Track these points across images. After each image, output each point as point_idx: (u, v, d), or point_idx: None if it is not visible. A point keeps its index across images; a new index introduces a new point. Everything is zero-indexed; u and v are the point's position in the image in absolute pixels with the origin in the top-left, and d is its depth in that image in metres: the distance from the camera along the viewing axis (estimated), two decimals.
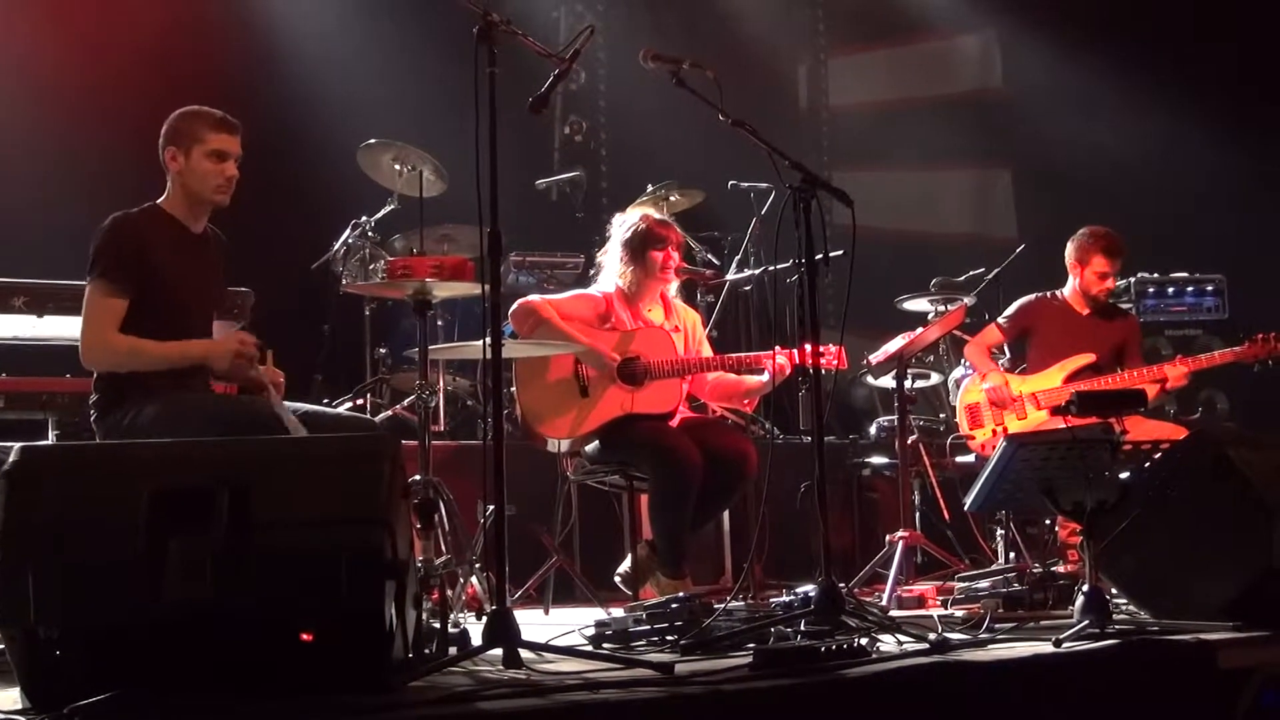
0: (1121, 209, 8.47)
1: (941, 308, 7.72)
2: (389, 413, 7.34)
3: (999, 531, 6.63)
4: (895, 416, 6.75)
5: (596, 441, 5.91)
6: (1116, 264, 6.88)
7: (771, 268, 6.57)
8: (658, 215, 6.30)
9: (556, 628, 4.77)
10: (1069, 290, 6.97)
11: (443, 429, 7.30)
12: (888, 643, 4.20)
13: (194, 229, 4.82)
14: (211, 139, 4.73)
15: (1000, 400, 6.70)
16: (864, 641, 4.02)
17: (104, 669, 3.27)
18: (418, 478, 4.70)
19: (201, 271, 4.83)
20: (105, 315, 4.57)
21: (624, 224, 6.17)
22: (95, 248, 4.63)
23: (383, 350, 7.81)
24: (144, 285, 4.60)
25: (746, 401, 6.38)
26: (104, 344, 4.59)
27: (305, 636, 3.35)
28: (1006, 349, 7.22)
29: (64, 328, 5.65)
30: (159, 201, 4.80)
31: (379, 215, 7.63)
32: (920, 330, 6.71)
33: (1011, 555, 6.48)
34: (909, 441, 6.74)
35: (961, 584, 5.67)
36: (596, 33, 5.07)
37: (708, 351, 6.25)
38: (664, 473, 5.71)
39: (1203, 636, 4.25)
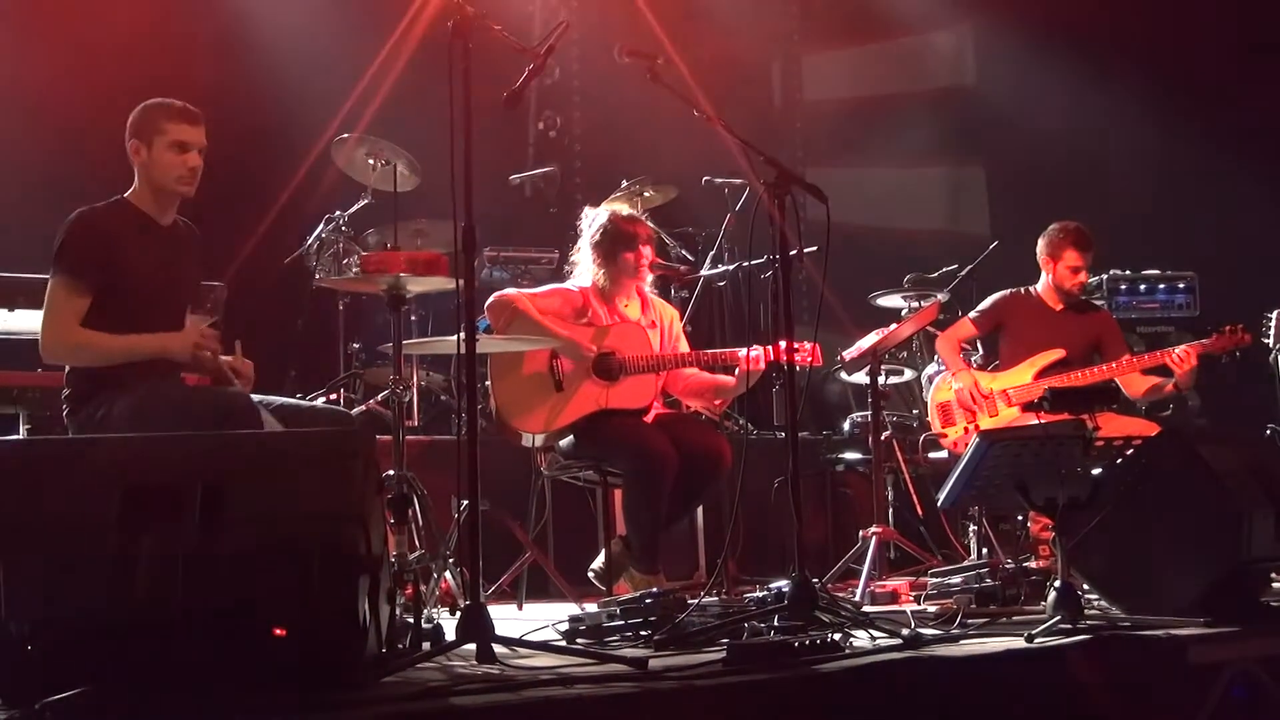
0: (1094, 206, 8.50)
1: (915, 304, 7.74)
2: (363, 408, 7.32)
3: (971, 527, 6.65)
4: (869, 412, 6.76)
5: (571, 436, 5.90)
6: (1088, 257, 6.89)
7: (746, 263, 6.58)
8: (625, 212, 6.25)
9: (530, 623, 4.77)
10: (1042, 286, 6.98)
11: (416, 424, 7.28)
12: (861, 638, 4.21)
13: (162, 221, 4.80)
14: (172, 130, 4.71)
15: (969, 403, 6.70)
16: (837, 637, 4.03)
17: (76, 664, 3.26)
18: (391, 473, 4.69)
19: (170, 264, 4.79)
20: (66, 311, 4.55)
21: (592, 223, 6.15)
22: (59, 243, 4.60)
23: (356, 345, 7.79)
24: (109, 280, 4.58)
25: (718, 402, 6.35)
26: (63, 339, 4.57)
27: (278, 632, 3.34)
28: (979, 344, 7.24)
29: (35, 321, 5.55)
30: (125, 195, 4.78)
31: (353, 210, 7.60)
32: (894, 326, 6.72)
33: (984, 551, 6.50)
34: (882, 437, 6.76)
35: (934, 580, 5.69)
36: (571, 28, 5.06)
37: (685, 348, 6.24)
38: (638, 468, 5.71)
39: (1174, 632, 4.28)
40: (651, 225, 6.27)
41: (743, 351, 5.84)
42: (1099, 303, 7.99)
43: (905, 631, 4.19)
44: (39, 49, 7.68)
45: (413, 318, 7.66)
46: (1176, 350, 6.58)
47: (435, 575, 5.24)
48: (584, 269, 6.15)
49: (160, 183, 4.73)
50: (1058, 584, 4.44)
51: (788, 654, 3.78)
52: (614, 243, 6.03)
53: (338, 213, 7.60)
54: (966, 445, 5.19)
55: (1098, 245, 6.95)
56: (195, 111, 4.77)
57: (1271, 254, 8.66)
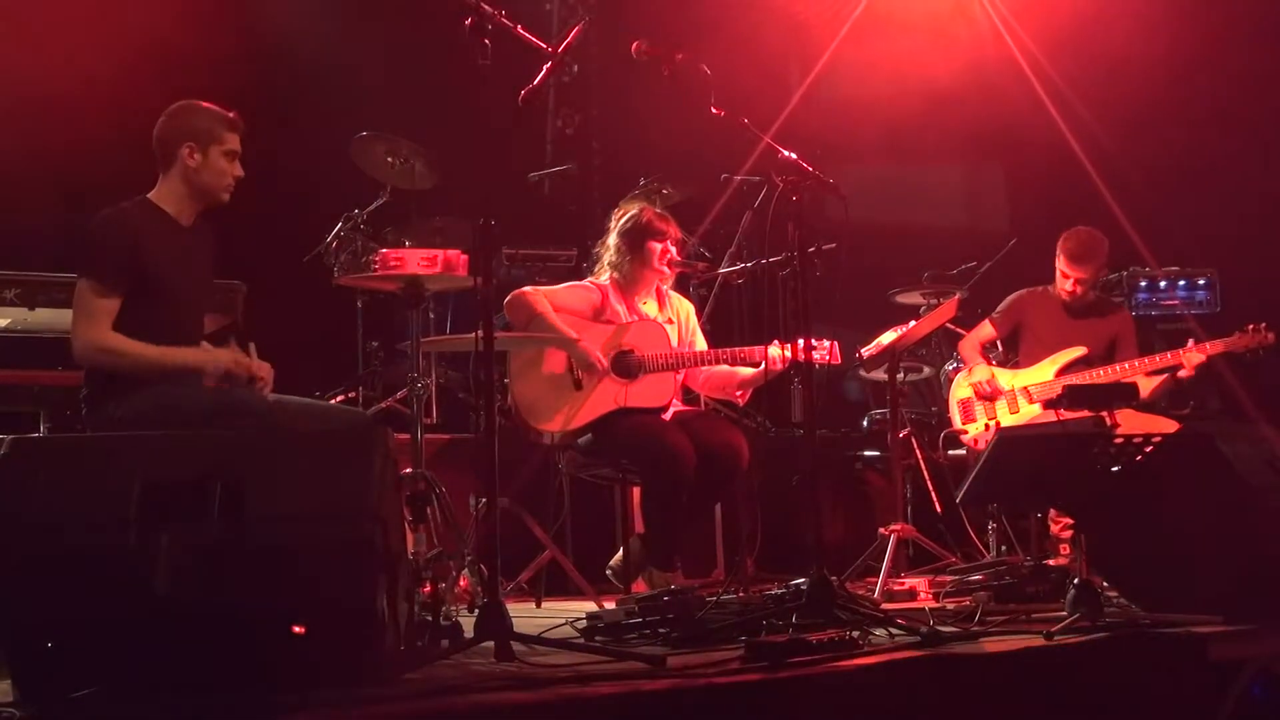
0: (1114, 202, 8.46)
1: (934, 301, 7.72)
2: (381, 405, 7.33)
3: (990, 525, 6.63)
4: (888, 409, 6.75)
5: (589, 435, 5.90)
6: (1079, 269, 6.72)
7: (764, 260, 6.58)
8: (658, 210, 6.31)
9: (548, 620, 4.77)
10: (1057, 285, 6.96)
11: (435, 421, 7.29)
12: (879, 635, 4.21)
13: (184, 222, 4.82)
14: (229, 139, 4.77)
15: (986, 394, 6.68)
16: (855, 634, 4.03)
17: (95, 661, 3.27)
18: (410, 470, 4.70)
19: (193, 264, 4.81)
20: (98, 314, 4.55)
21: (623, 215, 6.19)
22: (87, 244, 4.61)
23: (375, 343, 7.80)
24: (137, 281, 4.58)
25: (739, 394, 6.36)
26: (97, 343, 4.56)
27: (297, 629, 3.35)
28: (1000, 344, 7.22)
29: (55, 320, 5.64)
30: (149, 195, 4.79)
31: (371, 208, 7.61)
32: (913, 323, 6.70)
33: (1003, 548, 6.48)
34: (901, 434, 6.75)
35: (953, 577, 5.68)
36: (589, 26, 5.08)
37: (702, 342, 6.24)
38: (656, 466, 5.70)
39: (1193, 629, 4.27)
40: (679, 228, 6.29)
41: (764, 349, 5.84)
42: (1118, 301, 7.96)
43: (924, 629, 4.19)
44: (63, 51, 7.70)
45: (431, 315, 7.67)
46: (1188, 352, 6.53)
47: (453, 573, 5.25)
48: (605, 263, 6.16)
49: (209, 188, 4.76)
50: (1077, 581, 4.43)
51: (806, 651, 3.78)
52: (642, 233, 6.06)
53: (356, 210, 7.60)
54: (986, 442, 5.19)
55: (1115, 242, 6.91)
56: (241, 122, 4.83)
57: None
